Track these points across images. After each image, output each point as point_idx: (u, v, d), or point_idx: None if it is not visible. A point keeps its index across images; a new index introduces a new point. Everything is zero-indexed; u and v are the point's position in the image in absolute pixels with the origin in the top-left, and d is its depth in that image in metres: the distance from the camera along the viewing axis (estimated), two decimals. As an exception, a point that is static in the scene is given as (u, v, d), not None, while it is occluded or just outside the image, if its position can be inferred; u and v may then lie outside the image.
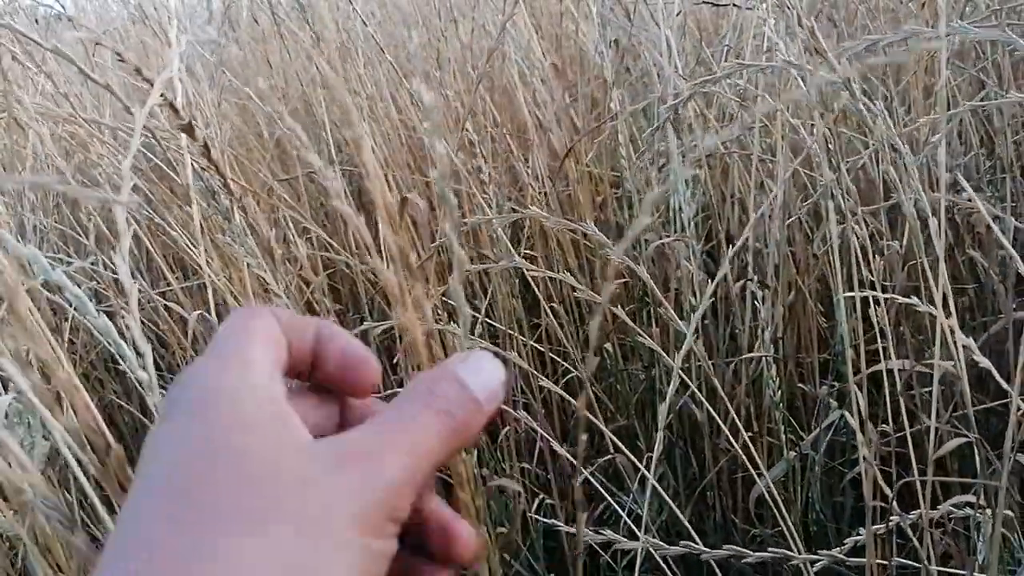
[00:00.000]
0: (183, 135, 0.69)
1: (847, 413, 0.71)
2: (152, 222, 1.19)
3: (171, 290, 1.45)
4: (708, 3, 1.08)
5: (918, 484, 0.72)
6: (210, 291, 0.85)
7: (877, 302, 0.75)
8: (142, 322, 1.43)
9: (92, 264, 1.32)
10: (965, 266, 1.21)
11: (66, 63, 1.16)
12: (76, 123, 0.98)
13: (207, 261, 0.94)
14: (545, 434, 0.86)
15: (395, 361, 1.11)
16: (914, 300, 0.66)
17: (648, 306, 1.19)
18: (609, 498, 0.87)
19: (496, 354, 0.32)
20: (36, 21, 2.10)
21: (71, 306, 1.20)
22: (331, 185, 0.41)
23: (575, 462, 0.89)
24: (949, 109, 1.06)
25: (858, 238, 0.76)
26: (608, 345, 1.22)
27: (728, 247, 1.20)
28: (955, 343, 0.65)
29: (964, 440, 0.70)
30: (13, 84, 1.07)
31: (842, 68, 0.69)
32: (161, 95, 0.78)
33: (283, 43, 1.27)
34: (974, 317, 1.20)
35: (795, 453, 1.02)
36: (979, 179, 1.18)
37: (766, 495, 0.85)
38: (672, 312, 0.79)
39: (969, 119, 1.22)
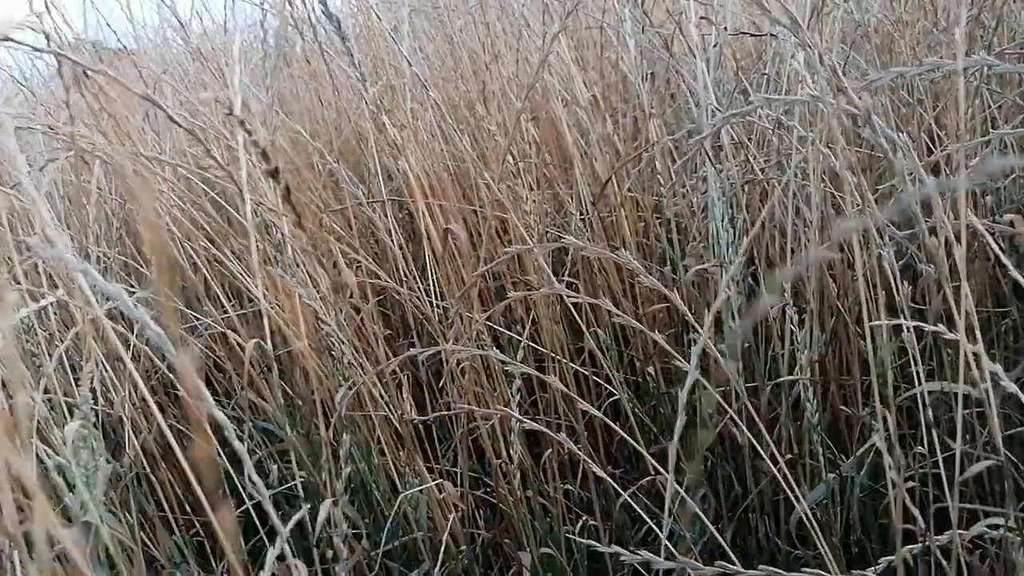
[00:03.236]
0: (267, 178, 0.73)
1: (877, 437, 0.73)
2: (208, 252, 1.25)
3: (227, 317, 1.51)
4: (745, 34, 1.11)
5: (950, 507, 0.73)
6: (265, 319, 0.89)
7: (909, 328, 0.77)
8: (200, 349, 1.49)
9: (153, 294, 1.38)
10: (1009, 287, 1.21)
11: (126, 97, 1.21)
12: (138, 161, 1.03)
13: (263, 291, 0.99)
14: (587, 459, 0.89)
15: (441, 385, 1.15)
16: (941, 328, 0.68)
17: (690, 329, 1.21)
18: (648, 520, 0.89)
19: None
20: (100, 58, 2.19)
21: (134, 334, 1.26)
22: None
23: (615, 485, 0.91)
24: (987, 134, 1.07)
25: (889, 266, 0.78)
26: (650, 368, 1.24)
27: (768, 270, 1.22)
28: (982, 369, 0.66)
29: (992, 463, 0.71)
30: (79, 121, 1.13)
31: (863, 102, 0.71)
32: (252, 140, 0.83)
33: (332, 81, 1.32)
34: (1017, 339, 1.19)
35: (835, 476, 1.03)
36: (1019, 202, 1.18)
37: (804, 518, 0.87)
38: (707, 339, 0.81)
39: (1011, 142, 1.22)
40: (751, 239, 0.74)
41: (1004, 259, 0.84)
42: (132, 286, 1.43)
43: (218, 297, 1.48)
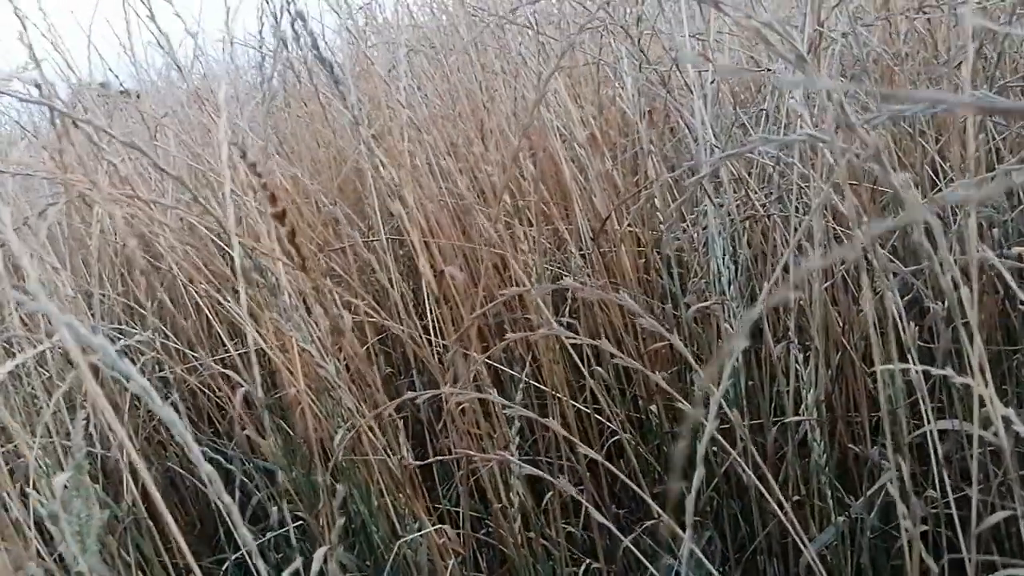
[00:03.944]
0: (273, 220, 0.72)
1: (890, 486, 0.71)
2: (209, 295, 1.24)
3: (229, 356, 1.50)
4: (743, 70, 1.10)
5: (967, 559, 0.71)
6: (255, 364, 0.88)
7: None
8: (200, 390, 1.48)
9: (153, 334, 1.37)
10: (1019, 321, 1.19)
11: (127, 140, 1.21)
12: (136, 205, 1.03)
13: (257, 335, 0.98)
14: (586, 504, 0.87)
15: (439, 428, 1.13)
16: (950, 372, 0.66)
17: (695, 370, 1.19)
18: (650, 566, 0.86)
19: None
20: (107, 100, 2.20)
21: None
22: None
23: (616, 532, 0.89)
24: (992, 167, 1.05)
25: (895, 306, 0.76)
26: (653, 406, 1.22)
27: (773, 308, 1.20)
28: (995, 415, 0.65)
29: (1009, 514, 0.69)
30: (79, 166, 1.13)
31: (873, 140, 0.69)
32: (262, 183, 0.83)
33: (330, 123, 1.32)
34: (1033, 374, 1.17)
35: (844, 518, 1.01)
36: (1027, 234, 1.16)
37: (812, 564, 0.84)
38: (705, 379, 0.80)
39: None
40: (764, 298, 0.72)
41: (1016, 289, 0.82)
42: (132, 328, 1.42)
43: (220, 336, 1.47)
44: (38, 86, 0.80)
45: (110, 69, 1.70)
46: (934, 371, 0.68)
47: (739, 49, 1.33)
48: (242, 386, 1.26)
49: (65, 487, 0.85)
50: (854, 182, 1.09)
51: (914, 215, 0.58)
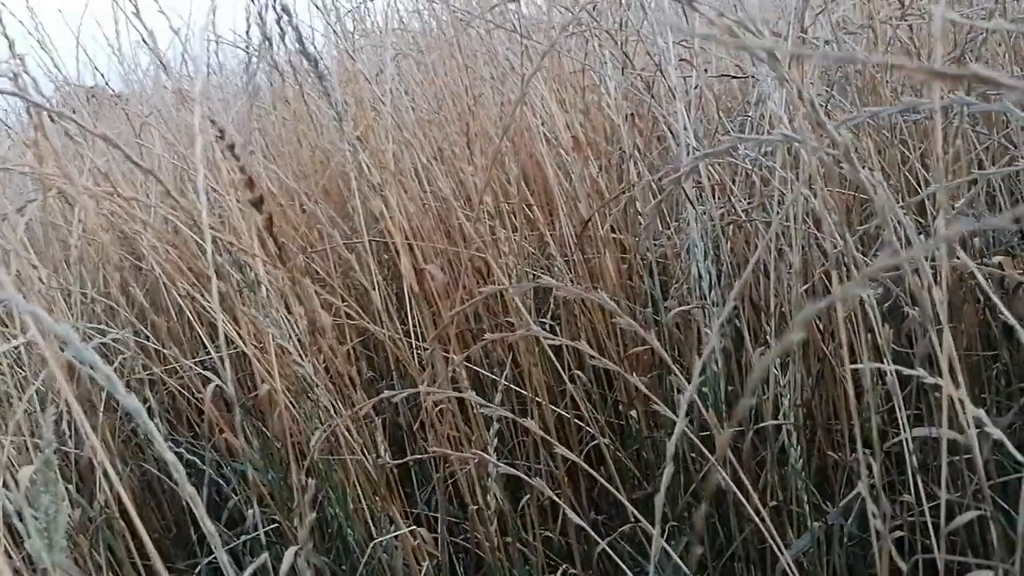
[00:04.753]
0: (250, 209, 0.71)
1: (862, 487, 0.70)
2: (189, 295, 1.23)
3: (209, 358, 1.48)
4: (726, 76, 1.10)
5: (938, 558, 0.70)
6: (227, 360, 0.87)
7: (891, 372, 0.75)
8: (179, 392, 1.47)
9: (132, 334, 1.36)
10: (1000, 330, 1.19)
11: (100, 132, 1.21)
12: (116, 202, 1.02)
13: (231, 331, 0.97)
14: (566, 507, 0.86)
15: (415, 428, 1.12)
16: (922, 372, 0.66)
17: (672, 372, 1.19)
18: (628, 572, 0.86)
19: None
20: (87, 99, 2.20)
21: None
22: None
23: (593, 534, 0.89)
24: (971, 174, 1.06)
25: (871, 309, 0.76)
26: (633, 412, 1.22)
27: (753, 313, 1.20)
28: (966, 415, 0.64)
29: (979, 514, 0.69)
30: (54, 160, 1.12)
31: (842, 138, 0.69)
32: (240, 167, 0.82)
33: (313, 122, 1.32)
34: (1009, 383, 1.17)
35: (820, 524, 1.01)
36: (1008, 244, 1.16)
37: (788, 570, 0.84)
38: (683, 380, 0.79)
39: (998, 182, 1.21)
40: (738, 290, 0.72)
41: (995, 298, 0.82)
42: (112, 328, 1.41)
43: (200, 337, 1.46)
44: (15, 76, 0.79)
45: (96, 68, 1.70)
46: (906, 371, 0.68)
47: (726, 56, 1.34)
48: (218, 386, 1.25)
49: (33, 483, 0.84)
50: (836, 189, 1.09)
51: (884, 214, 0.58)
